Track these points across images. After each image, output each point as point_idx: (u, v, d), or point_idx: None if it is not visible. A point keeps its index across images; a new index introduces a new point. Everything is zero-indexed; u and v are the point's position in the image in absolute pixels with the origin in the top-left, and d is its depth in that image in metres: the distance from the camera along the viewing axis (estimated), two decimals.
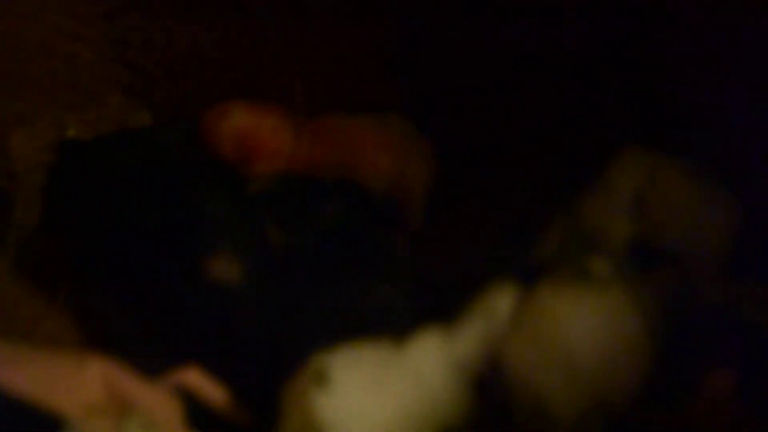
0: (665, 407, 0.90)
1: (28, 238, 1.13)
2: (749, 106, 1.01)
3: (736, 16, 1.03)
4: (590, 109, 1.13)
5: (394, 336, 0.93)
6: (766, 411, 0.89)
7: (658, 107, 1.07)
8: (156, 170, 1.11)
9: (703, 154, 0.98)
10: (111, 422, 0.91)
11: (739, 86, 1.03)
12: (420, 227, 1.15)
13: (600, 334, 0.87)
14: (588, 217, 0.97)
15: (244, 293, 1.04)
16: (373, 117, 1.17)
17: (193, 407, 0.94)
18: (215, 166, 1.13)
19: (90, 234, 1.11)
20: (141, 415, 0.88)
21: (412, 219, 1.16)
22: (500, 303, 0.91)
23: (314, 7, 1.20)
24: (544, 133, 1.16)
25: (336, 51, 1.21)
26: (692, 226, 0.95)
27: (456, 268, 1.07)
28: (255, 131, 1.14)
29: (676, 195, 0.96)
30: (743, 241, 0.96)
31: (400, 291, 1.03)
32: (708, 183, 0.97)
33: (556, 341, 0.87)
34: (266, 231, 1.06)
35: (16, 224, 1.14)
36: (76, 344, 1.07)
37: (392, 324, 0.97)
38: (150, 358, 0.98)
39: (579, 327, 0.87)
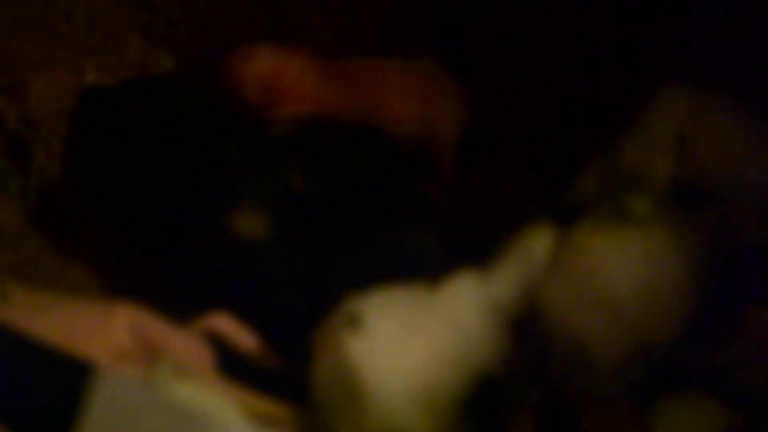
0: (708, 348, 0.88)
1: (48, 186, 1.11)
2: None
3: None
4: (630, 45, 1.11)
5: (429, 280, 0.92)
6: None
7: (703, 45, 1.05)
8: (179, 118, 1.08)
9: (747, 94, 0.96)
10: (140, 368, 0.89)
11: None
12: (451, 173, 1.13)
13: (642, 274, 0.85)
14: (627, 157, 0.95)
15: (271, 244, 1.01)
16: (403, 60, 1.15)
17: (223, 353, 0.93)
18: (236, 112, 1.11)
19: (111, 184, 1.08)
20: (171, 361, 0.86)
21: (442, 165, 1.14)
22: (537, 244, 0.89)
23: None
24: (581, 73, 1.14)
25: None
26: (736, 165, 0.93)
27: (492, 212, 1.06)
28: (280, 74, 1.11)
29: (719, 133, 0.94)
30: None
31: (434, 237, 1.01)
32: (751, 121, 0.95)
33: (597, 282, 0.85)
34: (289, 179, 1.03)
35: (36, 172, 1.12)
36: (101, 293, 1.05)
37: (426, 270, 0.95)
38: (177, 305, 0.96)
39: (620, 267, 0.85)
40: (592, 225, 0.88)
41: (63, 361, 0.82)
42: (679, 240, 0.87)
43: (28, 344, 0.84)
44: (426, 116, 1.13)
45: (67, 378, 0.80)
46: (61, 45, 1.18)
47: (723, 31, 1.04)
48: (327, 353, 0.87)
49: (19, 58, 1.16)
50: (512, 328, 0.88)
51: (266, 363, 0.94)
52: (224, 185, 1.04)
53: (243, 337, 0.95)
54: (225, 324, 0.95)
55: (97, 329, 0.91)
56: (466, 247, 0.99)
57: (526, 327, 0.87)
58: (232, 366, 0.92)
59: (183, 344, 0.92)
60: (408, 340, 0.86)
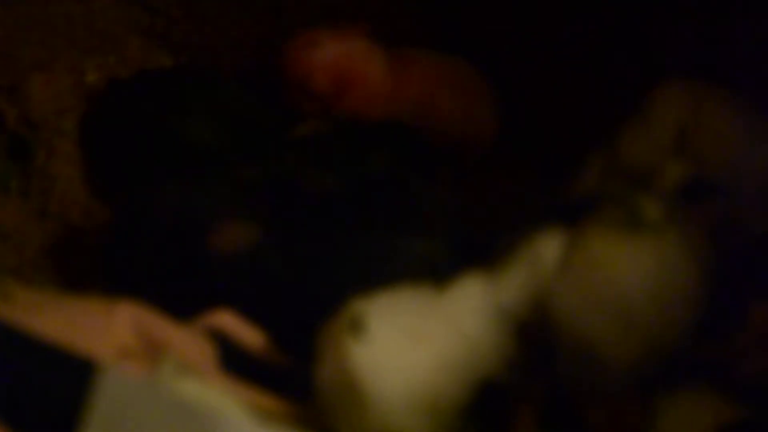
0: (711, 341, 0.88)
1: (50, 184, 1.11)
2: None
3: None
4: (632, 38, 1.11)
5: (433, 283, 0.91)
6: None
7: (705, 39, 1.04)
8: (204, 113, 1.08)
9: (747, 88, 0.96)
10: (143, 365, 0.89)
11: None
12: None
13: (654, 280, 0.84)
14: (630, 152, 0.95)
15: (274, 244, 1.00)
16: (443, 56, 1.13)
17: (227, 350, 0.93)
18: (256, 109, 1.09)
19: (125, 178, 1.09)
20: (175, 358, 0.86)
21: (469, 164, 1.12)
22: (546, 248, 0.88)
23: None
24: (581, 67, 1.14)
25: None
26: (737, 158, 0.93)
27: (494, 211, 1.05)
28: (350, 58, 1.08)
29: (721, 126, 0.93)
30: None
31: (438, 240, 1.00)
32: (752, 114, 0.95)
33: (609, 288, 0.84)
34: (302, 175, 1.03)
35: (37, 172, 1.12)
36: (103, 289, 1.05)
37: (429, 272, 0.94)
38: (179, 303, 0.96)
39: (632, 273, 0.84)
40: (603, 228, 0.87)
41: (66, 360, 0.82)
42: (689, 241, 0.87)
43: (30, 343, 0.84)
44: (469, 115, 1.12)
45: (71, 376, 0.80)
46: (61, 45, 1.17)
47: (724, 28, 1.04)
48: (329, 356, 0.87)
49: (20, 58, 1.16)
50: (518, 332, 0.88)
51: (270, 360, 0.94)
52: (218, 192, 1.03)
53: (247, 333, 0.95)
54: (228, 321, 0.95)
55: (100, 327, 0.91)
56: (470, 248, 0.99)
57: (533, 331, 0.87)
58: (235, 363, 0.92)
59: (186, 341, 0.92)
60: (411, 345, 0.85)
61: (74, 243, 1.08)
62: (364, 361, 0.84)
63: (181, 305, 0.97)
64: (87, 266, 1.07)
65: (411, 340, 0.85)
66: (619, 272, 0.84)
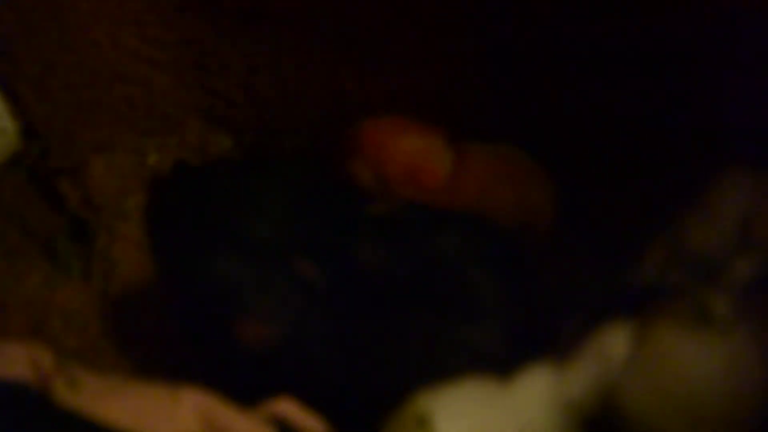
0: None
1: (111, 267, 1.12)
2: None
3: None
4: (691, 127, 1.11)
5: (496, 373, 0.91)
6: None
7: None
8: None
9: None
10: None
11: None
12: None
13: (724, 377, 0.84)
14: (693, 241, 0.94)
15: (332, 330, 1.00)
16: (494, 146, 1.15)
17: None
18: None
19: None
20: None
21: (534, 253, 1.12)
22: (614, 342, 0.88)
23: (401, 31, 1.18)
24: (640, 153, 1.14)
25: (427, 72, 1.18)
26: None
27: (555, 295, 1.05)
28: (426, 152, 1.10)
29: None
30: None
31: (500, 331, 1.00)
32: None
33: (679, 384, 0.85)
34: (363, 251, 1.03)
35: (98, 254, 1.13)
36: (164, 375, 1.05)
37: (493, 362, 0.94)
38: (238, 390, 0.96)
39: (702, 370, 0.84)
40: (671, 324, 0.87)
41: None
42: (757, 336, 0.86)
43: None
44: (526, 206, 1.12)
45: None
46: (122, 127, 1.19)
47: None
48: None
49: (81, 140, 1.18)
50: (584, 427, 0.87)
51: None
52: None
53: (308, 422, 0.95)
54: (290, 408, 0.95)
55: (165, 415, 0.91)
56: (532, 336, 0.99)
57: (597, 425, 0.87)
58: None
59: (251, 429, 0.92)
60: None
61: (135, 326, 1.09)
62: None
63: (241, 389, 0.98)
64: (148, 350, 1.08)
65: None
66: (688, 369, 0.84)
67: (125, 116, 1.20)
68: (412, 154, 1.09)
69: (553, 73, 1.16)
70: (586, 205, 1.14)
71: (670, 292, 0.90)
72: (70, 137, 1.18)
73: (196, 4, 1.16)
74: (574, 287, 1.04)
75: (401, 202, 1.08)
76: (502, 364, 0.92)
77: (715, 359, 0.84)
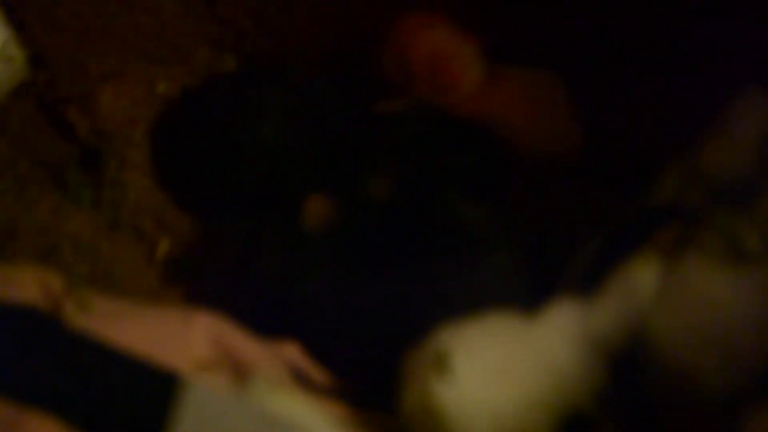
0: None
1: (121, 195, 1.11)
2: None
3: None
4: (706, 51, 1.10)
5: (517, 308, 0.90)
6: None
7: None
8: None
9: None
10: (222, 378, 0.89)
11: None
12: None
13: (755, 309, 0.83)
14: (711, 163, 0.93)
15: (342, 265, 1.00)
16: (530, 72, 1.14)
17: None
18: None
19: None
20: (265, 373, 0.85)
21: (558, 175, 1.12)
22: (643, 277, 0.87)
23: None
24: (659, 79, 1.13)
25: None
26: None
27: (572, 218, 1.04)
28: (454, 54, 1.10)
29: None
30: None
31: (513, 262, 0.99)
32: None
33: (711, 318, 0.83)
34: (372, 182, 1.02)
35: (109, 182, 1.12)
36: (176, 301, 1.05)
37: (512, 295, 0.93)
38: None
39: (734, 303, 0.83)
40: (702, 258, 0.85)
41: (149, 372, 0.82)
42: None
43: (110, 354, 0.84)
44: (553, 132, 1.12)
45: (154, 389, 0.80)
46: (131, 56, 1.18)
47: None
48: (414, 391, 0.85)
49: (90, 69, 1.17)
50: (611, 363, 0.86)
51: (336, 395, 0.93)
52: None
53: (311, 369, 0.94)
54: (295, 353, 0.94)
55: (177, 338, 0.91)
56: (547, 261, 0.98)
57: (627, 362, 0.86)
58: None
59: (263, 356, 0.92)
60: (497, 382, 0.84)
61: (146, 253, 1.09)
62: (449, 400, 0.83)
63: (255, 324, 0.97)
64: (160, 276, 1.07)
65: (497, 377, 0.84)
66: (720, 302, 0.83)
67: (134, 45, 1.18)
68: (438, 50, 1.10)
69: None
70: (609, 130, 1.13)
71: (688, 215, 0.88)
72: (78, 66, 1.17)
73: None
74: (592, 212, 1.03)
75: (414, 101, 1.08)
76: (519, 298, 0.91)
77: (746, 291, 0.83)
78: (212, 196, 1.09)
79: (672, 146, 0.97)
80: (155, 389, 0.79)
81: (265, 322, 0.96)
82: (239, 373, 0.88)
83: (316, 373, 0.93)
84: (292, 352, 0.94)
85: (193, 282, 1.07)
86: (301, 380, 0.91)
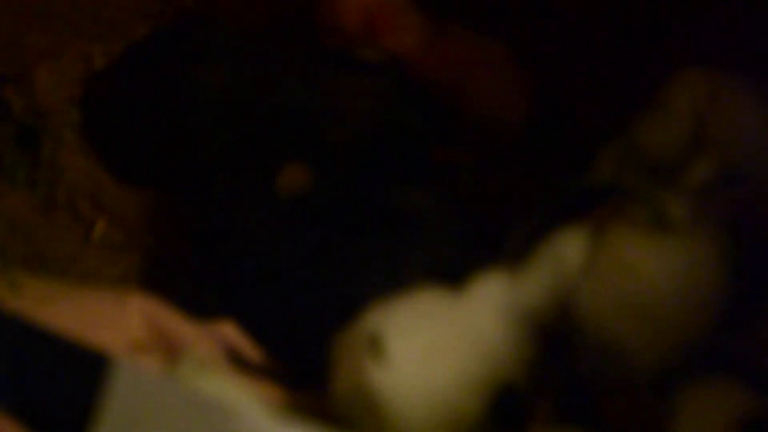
0: (731, 332, 0.87)
1: (57, 174, 1.09)
2: None
3: None
4: (649, 28, 1.10)
5: (449, 282, 0.89)
6: None
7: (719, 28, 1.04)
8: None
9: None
10: (156, 359, 0.88)
11: None
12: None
13: (681, 279, 0.84)
14: (647, 141, 0.93)
15: (279, 239, 0.99)
16: (481, 38, 1.14)
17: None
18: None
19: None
20: (194, 354, 0.85)
21: (502, 146, 1.12)
22: (570, 248, 0.87)
23: None
24: (600, 58, 1.13)
25: None
26: (757, 144, 0.91)
27: (505, 200, 1.04)
28: (384, 5, 1.11)
29: (740, 113, 0.92)
30: None
31: (448, 237, 0.99)
32: None
33: (637, 288, 0.84)
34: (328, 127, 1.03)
35: (44, 162, 1.10)
36: (112, 283, 1.04)
37: (444, 270, 0.93)
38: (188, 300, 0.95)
39: (660, 273, 0.83)
40: (628, 228, 0.86)
41: (78, 352, 0.81)
42: (713, 238, 0.85)
43: (40, 335, 0.83)
44: (499, 98, 1.12)
45: (84, 369, 0.79)
46: (68, 33, 1.16)
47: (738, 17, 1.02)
48: (347, 371, 0.85)
49: (26, 46, 1.15)
50: (535, 332, 0.87)
51: (271, 374, 0.92)
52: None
53: (247, 348, 0.93)
54: (230, 333, 0.94)
55: (110, 319, 0.90)
56: (481, 241, 0.98)
57: (551, 330, 0.86)
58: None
59: (198, 338, 0.91)
60: (430, 361, 0.84)
61: (82, 234, 1.07)
62: (384, 383, 0.83)
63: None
64: (95, 257, 1.06)
65: (430, 357, 0.84)
66: (646, 272, 0.83)
67: (71, 22, 1.16)
68: (368, 8, 1.10)
69: None
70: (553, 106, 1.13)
71: (625, 194, 0.89)
72: (14, 44, 1.15)
73: None
74: (532, 188, 1.04)
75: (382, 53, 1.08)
76: (453, 272, 0.91)
77: (672, 262, 0.83)
78: (156, 150, 1.08)
79: (613, 123, 0.98)
80: (85, 370, 0.78)
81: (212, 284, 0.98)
82: (173, 354, 0.88)
83: (252, 354, 0.92)
84: (228, 332, 0.94)
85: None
86: (236, 361, 0.90)
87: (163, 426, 0.73)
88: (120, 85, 1.11)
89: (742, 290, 0.86)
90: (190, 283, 1.01)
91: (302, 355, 0.92)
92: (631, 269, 0.84)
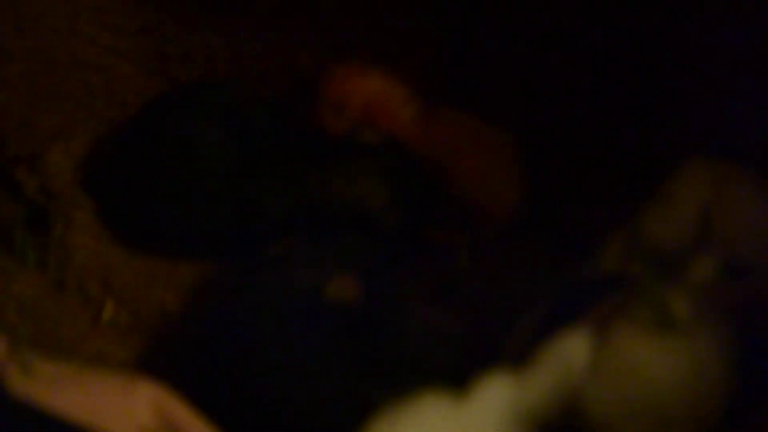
0: (736, 420, 0.87)
1: (67, 256, 1.10)
2: None
3: None
4: (653, 117, 1.11)
5: (450, 382, 0.90)
6: None
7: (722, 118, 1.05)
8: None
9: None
10: None
11: None
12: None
13: (686, 378, 0.85)
14: (652, 232, 0.94)
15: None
16: (474, 121, 1.16)
17: None
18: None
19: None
20: None
21: (488, 233, 1.13)
22: (575, 350, 0.87)
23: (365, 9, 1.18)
24: (603, 144, 1.14)
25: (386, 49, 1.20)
26: (761, 237, 0.92)
27: (506, 288, 1.05)
28: (387, 97, 1.13)
29: (744, 205, 0.93)
30: None
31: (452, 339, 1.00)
32: None
33: (643, 389, 0.84)
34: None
35: (55, 243, 1.11)
36: (120, 365, 1.04)
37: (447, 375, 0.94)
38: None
39: (665, 374, 0.84)
40: (632, 329, 0.86)
41: None
42: (718, 335, 0.86)
43: (53, 423, 0.83)
44: (491, 182, 1.13)
45: None
46: (80, 115, 1.18)
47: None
48: None
49: (39, 128, 1.16)
50: None
51: None
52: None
53: None
54: None
55: (120, 406, 0.90)
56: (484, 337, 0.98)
57: (560, 430, 0.86)
58: None
59: (203, 429, 0.91)
60: None
61: (92, 315, 1.08)
62: None
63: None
64: (103, 338, 1.07)
65: None
66: (650, 372, 0.84)
67: (84, 104, 1.18)
68: (370, 95, 1.13)
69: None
70: (549, 195, 1.14)
71: (629, 287, 0.89)
72: (27, 125, 1.16)
73: None
74: (530, 281, 1.04)
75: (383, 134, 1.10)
76: (456, 377, 0.91)
77: (677, 361, 0.84)
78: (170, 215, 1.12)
79: (617, 214, 0.98)
80: None
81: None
82: None
83: None
84: None
85: None
86: None
87: None
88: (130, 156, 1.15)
89: (746, 380, 0.86)
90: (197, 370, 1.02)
91: None
92: (634, 369, 0.84)
